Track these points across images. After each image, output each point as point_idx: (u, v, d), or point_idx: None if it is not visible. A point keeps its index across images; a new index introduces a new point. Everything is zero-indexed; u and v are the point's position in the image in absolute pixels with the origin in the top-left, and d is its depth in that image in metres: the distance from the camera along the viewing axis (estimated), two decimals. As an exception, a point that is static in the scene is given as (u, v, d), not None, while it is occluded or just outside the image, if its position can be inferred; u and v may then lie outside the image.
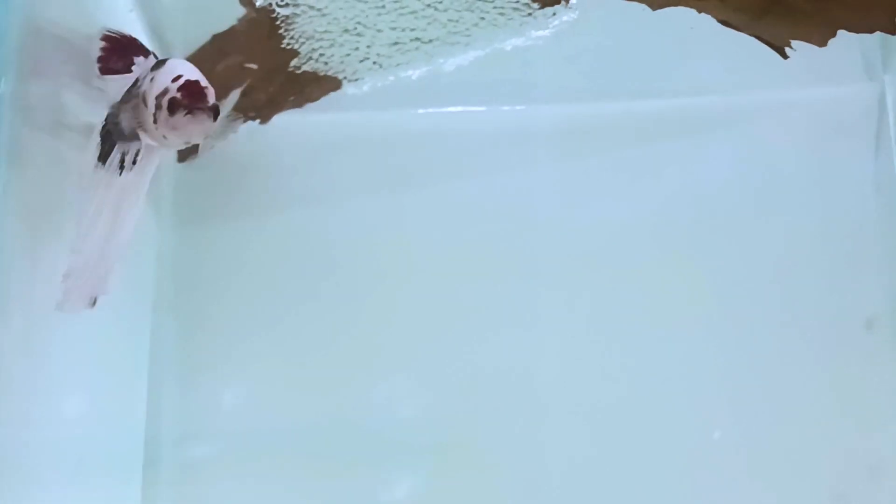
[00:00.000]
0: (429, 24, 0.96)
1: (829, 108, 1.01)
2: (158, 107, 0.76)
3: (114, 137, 0.81)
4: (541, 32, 0.97)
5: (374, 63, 0.97)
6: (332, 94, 0.99)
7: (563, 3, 0.96)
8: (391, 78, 0.99)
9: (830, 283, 0.98)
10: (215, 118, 0.77)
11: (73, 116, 0.84)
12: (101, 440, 0.90)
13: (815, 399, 0.95)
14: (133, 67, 0.82)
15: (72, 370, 0.86)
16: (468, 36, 0.97)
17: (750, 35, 0.94)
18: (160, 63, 0.81)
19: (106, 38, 0.84)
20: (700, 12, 0.93)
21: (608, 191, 1.01)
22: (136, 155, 0.80)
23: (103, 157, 0.80)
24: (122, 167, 0.80)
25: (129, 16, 0.92)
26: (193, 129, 0.76)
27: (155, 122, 0.76)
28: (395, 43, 0.97)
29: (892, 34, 0.95)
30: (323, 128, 1.01)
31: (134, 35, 0.87)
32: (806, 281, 0.98)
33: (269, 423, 0.97)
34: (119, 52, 0.83)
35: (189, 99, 0.76)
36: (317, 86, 0.98)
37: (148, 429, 0.96)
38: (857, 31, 0.95)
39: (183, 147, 0.82)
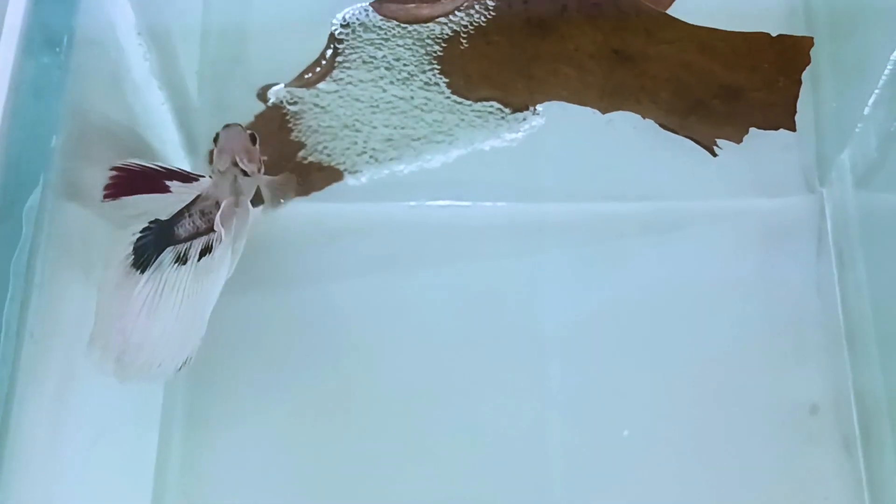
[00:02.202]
0: (416, 123, 1.06)
1: (775, 216, 1.11)
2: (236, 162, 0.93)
3: (163, 244, 0.91)
4: (513, 135, 1.08)
5: (371, 157, 1.07)
6: (335, 185, 1.08)
7: (530, 109, 1.08)
8: (386, 171, 1.08)
9: (778, 373, 1.06)
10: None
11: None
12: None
13: (764, 477, 1.02)
14: (172, 188, 0.94)
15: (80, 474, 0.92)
16: (451, 135, 1.07)
17: (683, 136, 1.05)
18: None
19: (123, 169, 0.94)
20: (644, 117, 1.05)
21: (573, 284, 1.09)
22: (205, 247, 0.92)
23: (142, 266, 0.90)
24: (181, 261, 0.91)
25: (161, 108, 1.03)
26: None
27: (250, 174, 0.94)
28: (389, 139, 1.07)
29: (793, 131, 1.07)
30: (326, 215, 1.09)
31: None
32: (756, 371, 1.06)
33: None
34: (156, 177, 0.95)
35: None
36: (321, 175, 1.08)
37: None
38: (764, 129, 1.07)
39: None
